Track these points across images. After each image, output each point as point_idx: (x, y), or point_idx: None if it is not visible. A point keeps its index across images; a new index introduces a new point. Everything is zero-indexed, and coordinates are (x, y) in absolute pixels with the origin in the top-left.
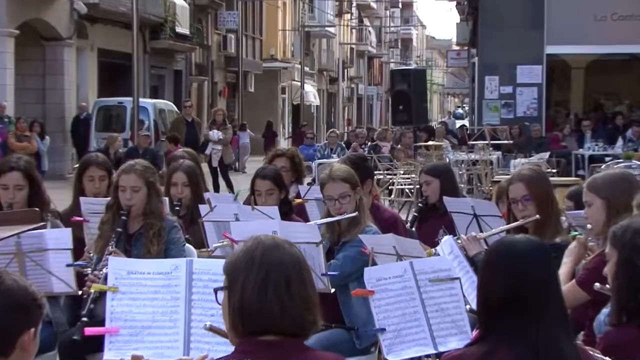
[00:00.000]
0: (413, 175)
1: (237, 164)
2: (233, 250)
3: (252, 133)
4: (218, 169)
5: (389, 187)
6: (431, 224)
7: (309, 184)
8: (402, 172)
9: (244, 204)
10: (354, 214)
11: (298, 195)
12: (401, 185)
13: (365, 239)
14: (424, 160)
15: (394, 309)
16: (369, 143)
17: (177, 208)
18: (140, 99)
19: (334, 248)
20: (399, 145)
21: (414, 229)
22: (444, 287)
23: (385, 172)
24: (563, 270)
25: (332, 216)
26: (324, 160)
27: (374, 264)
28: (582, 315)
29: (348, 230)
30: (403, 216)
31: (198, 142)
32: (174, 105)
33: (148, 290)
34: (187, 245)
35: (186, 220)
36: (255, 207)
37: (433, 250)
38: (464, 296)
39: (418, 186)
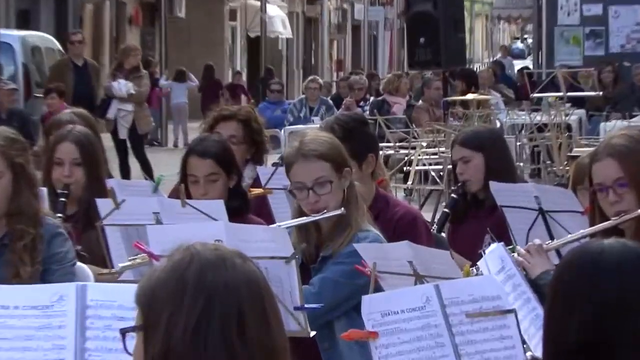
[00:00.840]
0: (442, 149)
1: (159, 134)
2: (151, 270)
3: (194, 82)
4: (128, 143)
5: (404, 169)
6: (471, 226)
7: (275, 164)
8: (424, 144)
9: (169, 196)
10: (338, 212)
11: (257, 182)
12: (423, 165)
13: (364, 249)
14: (460, 125)
15: None
16: (372, 98)
17: (63, 200)
18: (1, 31)
19: (309, 266)
20: (420, 102)
21: (443, 233)
22: (490, 325)
23: (398, 144)
24: None
25: (305, 215)
26: (300, 127)
27: (378, 289)
28: None
29: (331, 237)
30: (427, 215)
31: (95, 98)
32: (55, 41)
33: (15, 335)
34: (78, 263)
35: (77, 222)
36: (187, 201)
37: (473, 269)
38: (521, 338)
39: (450, 166)
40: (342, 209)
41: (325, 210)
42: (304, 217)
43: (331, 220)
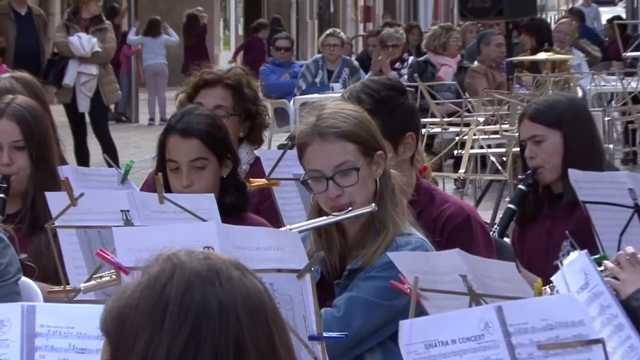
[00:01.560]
0: (506, 126)
1: (128, 108)
2: (121, 287)
3: (174, 36)
4: (89, 118)
5: (455, 153)
6: (544, 228)
7: (282, 146)
8: (481, 119)
9: (142, 189)
10: (368, 209)
11: (257, 169)
12: (481, 147)
13: (401, 259)
14: (529, 94)
15: None
16: (410, 58)
17: (1, 196)
18: None
19: (331, 283)
20: (476, 63)
21: (507, 238)
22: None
23: (447, 119)
24: None
25: (325, 214)
26: (315, 97)
27: (421, 312)
28: None
29: (360, 244)
30: (485, 214)
31: (42, 58)
32: None
33: None
34: (23, 278)
35: (21, 223)
36: (166, 196)
37: (547, 288)
38: None
39: (517, 149)
40: (374, 205)
41: (350, 208)
42: (323, 218)
43: (360, 221)
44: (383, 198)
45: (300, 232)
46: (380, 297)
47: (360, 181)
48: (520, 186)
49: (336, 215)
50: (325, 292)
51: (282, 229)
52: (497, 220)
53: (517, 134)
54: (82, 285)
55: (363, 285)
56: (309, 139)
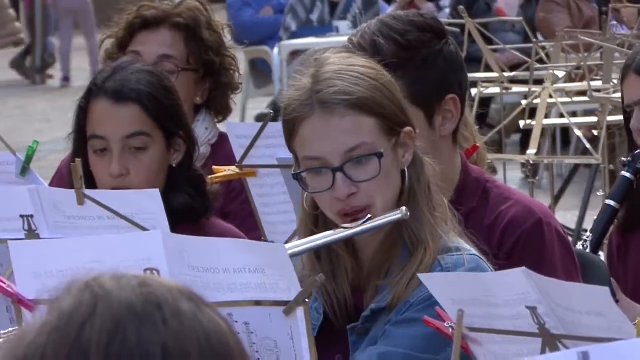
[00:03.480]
0: (597, 85)
1: (31, 58)
2: (20, 330)
3: None
4: None
5: (522, 125)
6: None
7: (261, 116)
8: (560, 74)
9: (52, 183)
10: (396, 215)
11: (223, 152)
12: (560, 116)
13: (437, 283)
14: (633, 36)
15: None
16: None
17: None
18: None
19: (338, 325)
20: None
21: (601, 253)
22: None
23: (509, 74)
24: None
25: (326, 224)
26: (309, 42)
27: None
28: None
29: (382, 267)
30: (567, 216)
31: None
32: None
33: None
34: None
35: None
36: (88, 192)
37: None
38: None
39: (617, 118)
40: (404, 209)
41: (368, 215)
42: (330, 232)
43: (380, 234)
44: (415, 198)
45: (295, 255)
46: (426, 350)
47: (382, 173)
48: (623, 173)
49: (349, 228)
50: (333, 341)
51: (271, 244)
52: (586, 226)
53: (616, 96)
54: None
55: (397, 334)
56: (304, 112)
